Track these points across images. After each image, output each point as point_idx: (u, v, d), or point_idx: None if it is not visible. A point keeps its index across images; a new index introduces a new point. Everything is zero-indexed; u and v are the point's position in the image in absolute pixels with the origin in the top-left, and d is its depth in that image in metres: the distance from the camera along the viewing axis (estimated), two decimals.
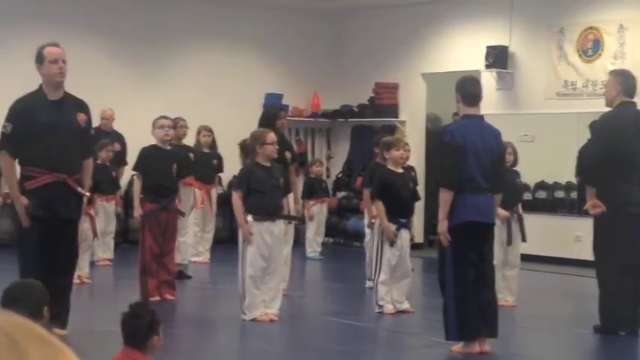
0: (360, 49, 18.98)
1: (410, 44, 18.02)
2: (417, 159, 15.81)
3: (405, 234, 10.62)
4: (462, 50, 17.11)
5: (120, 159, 14.59)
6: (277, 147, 9.97)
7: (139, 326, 5.08)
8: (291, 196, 11.08)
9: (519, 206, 11.20)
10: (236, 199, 9.89)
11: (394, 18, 18.31)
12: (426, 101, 18.26)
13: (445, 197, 8.37)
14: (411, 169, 12.44)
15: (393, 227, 10.42)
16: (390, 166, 10.68)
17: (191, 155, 13.32)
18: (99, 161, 12.58)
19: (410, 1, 17.56)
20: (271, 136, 9.92)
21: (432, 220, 17.34)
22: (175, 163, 11.24)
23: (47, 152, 8.47)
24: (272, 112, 11.60)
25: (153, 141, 11.33)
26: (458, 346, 8.48)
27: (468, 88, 8.65)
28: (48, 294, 5.25)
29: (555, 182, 16.17)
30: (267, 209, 9.81)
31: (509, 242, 10.96)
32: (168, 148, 11.30)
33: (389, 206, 10.48)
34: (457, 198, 8.31)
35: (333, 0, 17.86)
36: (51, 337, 1.23)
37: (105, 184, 13.15)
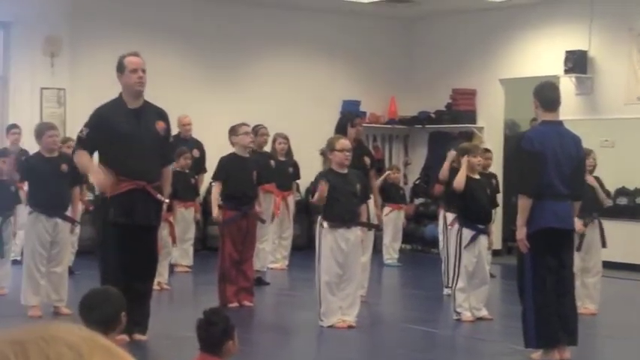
0: (437, 54, 18.90)
1: (487, 49, 17.90)
2: (495, 165, 15.67)
3: (483, 240, 10.55)
4: (541, 55, 16.94)
5: (199, 166, 14.71)
6: (350, 154, 9.92)
7: (213, 332, 5.13)
8: (371, 202, 11.08)
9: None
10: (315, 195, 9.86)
11: (472, 23, 18.21)
12: (504, 107, 18.11)
13: (523, 204, 8.29)
14: (492, 176, 12.35)
15: (470, 232, 10.33)
16: (468, 173, 10.60)
17: (272, 162, 13.39)
18: (178, 168, 12.70)
19: (487, 5, 17.45)
20: (341, 143, 9.89)
21: (510, 227, 17.23)
22: (255, 171, 11.30)
23: (127, 160, 8.58)
24: (347, 119, 11.61)
25: (230, 148, 11.38)
26: (537, 354, 8.39)
27: (546, 93, 8.56)
28: (125, 300, 5.31)
29: (636, 188, 15.92)
30: (342, 216, 9.80)
31: (578, 248, 10.81)
32: (247, 155, 11.36)
33: (466, 212, 10.41)
34: (536, 204, 8.23)
35: (411, 6, 17.82)
36: (117, 348, 1.24)
37: (184, 191, 13.26)
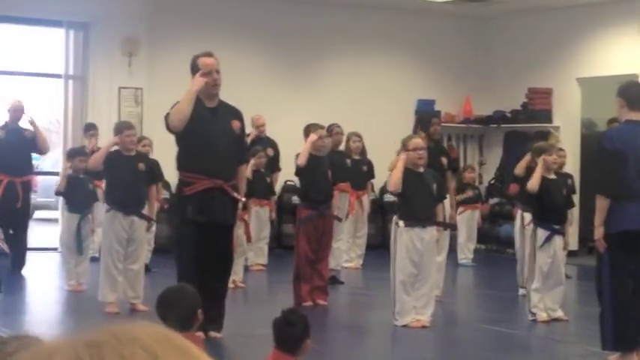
0: (512, 53, 18.76)
1: (564, 48, 17.71)
2: (571, 165, 15.52)
3: (558, 240, 10.45)
4: (619, 54, 16.70)
5: (273, 165, 14.78)
6: (424, 153, 9.90)
7: (292, 333, 5.15)
8: (446, 202, 11.05)
9: None
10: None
11: (547, 21, 18.03)
12: (581, 106, 17.91)
13: (602, 204, 8.18)
14: (568, 176, 12.22)
15: (544, 232, 10.25)
16: (543, 172, 10.50)
17: (347, 161, 13.41)
18: (253, 167, 12.78)
19: (564, 3, 17.26)
20: (414, 143, 9.88)
21: (589, 227, 17.03)
22: (330, 170, 11.32)
23: (204, 159, 8.65)
24: (426, 119, 11.59)
25: (302, 147, 11.39)
26: (614, 357, 8.29)
27: (632, 92, 8.40)
28: (200, 298, 5.36)
29: None
30: (417, 215, 9.78)
31: None
32: (322, 155, 11.37)
33: (541, 212, 10.33)
34: (615, 205, 8.11)
35: (487, 4, 17.71)
36: (192, 348, 1.25)
37: (259, 190, 13.33)
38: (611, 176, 8.13)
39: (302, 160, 10.97)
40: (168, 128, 8.82)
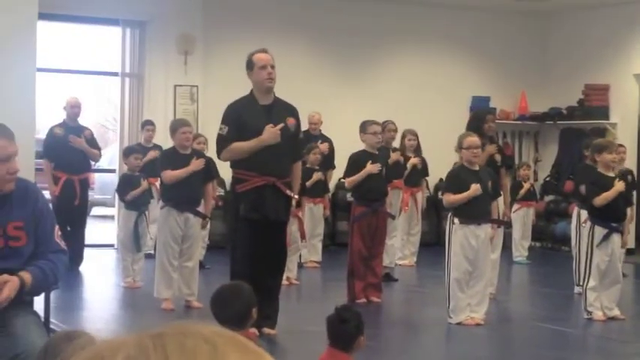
0: (568, 49, 18.61)
1: (621, 44, 17.54)
2: (629, 162, 15.37)
3: (616, 239, 10.35)
4: None
5: (328, 162, 14.79)
6: (479, 151, 9.87)
7: (346, 330, 5.17)
8: (500, 199, 11.00)
9: None
10: (449, 197, 9.84)
11: (604, 17, 17.86)
12: (639, 103, 17.72)
13: None
14: (628, 172, 12.08)
15: (602, 230, 10.16)
16: (601, 169, 10.41)
17: (400, 159, 13.39)
18: (307, 165, 12.80)
19: None
20: (469, 141, 9.85)
21: None
22: (384, 168, 11.31)
23: (258, 156, 8.69)
24: (480, 116, 11.54)
25: (359, 144, 11.41)
26: None
27: None
28: (255, 296, 5.38)
29: None
30: (472, 213, 9.76)
31: None
32: (377, 152, 11.37)
33: (599, 210, 10.24)
34: None
35: (540, 0, 17.59)
36: (252, 345, 1.28)
37: (313, 187, 13.36)
38: None
39: (350, 185, 11.09)
40: (219, 156, 8.94)
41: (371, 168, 10.97)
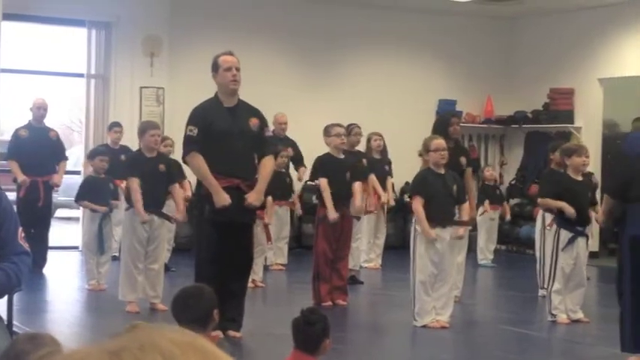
0: (533, 54, 18.71)
1: (585, 48, 17.66)
2: (593, 166, 15.45)
3: (581, 242, 10.40)
4: None
5: (297, 162, 14.84)
6: (446, 153, 9.90)
7: (312, 332, 5.16)
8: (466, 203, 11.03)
9: None
10: (416, 205, 9.84)
11: (569, 22, 17.98)
12: (603, 107, 17.84)
13: (608, 203, 8.28)
14: (590, 174, 12.15)
15: (568, 234, 10.22)
16: (570, 173, 10.45)
17: (364, 161, 13.39)
18: (275, 167, 12.77)
19: (587, 4, 17.21)
20: (436, 143, 9.87)
21: (609, 229, 16.95)
22: (349, 171, 11.31)
23: (222, 158, 8.68)
24: (445, 119, 11.57)
25: (324, 147, 11.41)
26: (634, 358, 8.26)
27: None
28: (217, 298, 5.36)
29: None
30: (438, 216, 9.78)
31: None
32: (342, 156, 11.36)
33: (565, 214, 10.28)
34: (638, 207, 8.08)
35: (509, 5, 17.67)
36: (213, 350, 1.27)
37: (279, 190, 13.34)
38: (619, 181, 8.13)
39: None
40: (185, 156, 8.90)
41: (331, 213, 10.95)
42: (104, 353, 1.22)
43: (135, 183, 10.35)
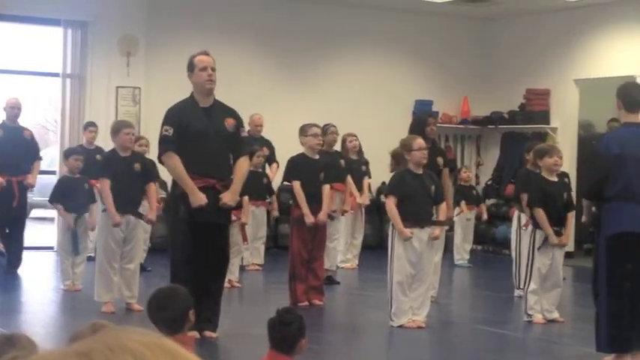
0: (510, 54, 18.78)
1: (562, 49, 17.73)
2: (568, 167, 15.52)
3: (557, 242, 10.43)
4: (617, 55, 16.72)
5: (270, 160, 14.85)
6: (427, 153, 9.93)
7: (288, 332, 5.14)
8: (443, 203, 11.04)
9: None
10: (390, 204, 9.87)
11: (545, 23, 18.04)
12: (579, 107, 17.92)
13: (586, 204, 8.33)
14: (565, 175, 12.20)
15: (551, 231, 10.26)
16: (544, 174, 10.49)
17: (342, 162, 13.40)
18: (251, 168, 12.75)
19: (563, 5, 17.28)
20: (418, 143, 9.89)
21: (586, 228, 17.02)
22: (323, 172, 11.30)
23: (198, 158, 8.66)
24: (422, 119, 11.58)
25: (300, 148, 11.39)
26: (609, 358, 8.29)
27: (630, 94, 8.37)
28: (192, 299, 5.34)
29: None
30: (416, 216, 9.79)
31: None
32: (317, 157, 11.35)
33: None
34: (614, 207, 8.10)
35: (486, 5, 17.72)
36: (181, 350, 1.26)
37: (255, 190, 13.31)
38: (596, 182, 8.16)
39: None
40: (161, 156, 8.86)
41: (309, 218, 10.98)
42: (73, 355, 1.20)
43: (106, 184, 10.33)
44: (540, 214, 10.29)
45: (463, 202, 15.65)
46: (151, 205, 10.81)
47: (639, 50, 16.13)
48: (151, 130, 13.07)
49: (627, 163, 8.05)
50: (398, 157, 10.13)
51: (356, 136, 14.47)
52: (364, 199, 14.67)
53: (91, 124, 14.34)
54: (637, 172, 8.08)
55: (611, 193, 8.10)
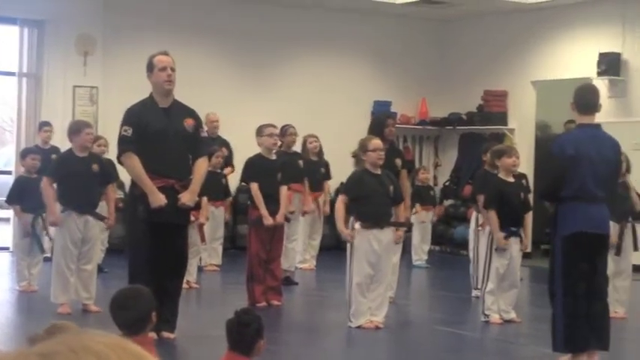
0: (468, 56, 18.87)
1: (519, 51, 17.84)
2: (526, 167, 15.62)
3: (514, 243, 10.49)
4: (573, 57, 16.86)
5: (227, 163, 14.79)
6: (383, 154, 9.94)
7: (246, 333, 5.13)
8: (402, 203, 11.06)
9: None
10: (340, 203, 9.89)
11: (504, 25, 18.15)
12: (536, 109, 18.05)
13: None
14: (523, 176, 12.28)
15: (502, 234, 10.32)
16: (502, 175, 10.55)
17: (300, 162, 13.38)
18: (209, 168, 12.71)
19: (520, 7, 17.39)
20: (374, 143, 9.90)
21: (542, 229, 17.14)
22: (280, 173, 11.29)
23: (156, 158, 8.62)
24: (380, 120, 11.60)
25: (257, 148, 11.37)
26: (565, 358, 8.35)
27: (584, 96, 8.45)
28: (155, 299, 5.31)
29: None
30: (375, 217, 9.80)
31: (617, 253, 10.76)
32: (274, 157, 11.34)
33: (500, 215, 10.37)
34: (569, 208, 8.16)
35: (444, 7, 17.79)
36: (145, 354, 1.25)
37: (214, 190, 13.26)
38: (553, 183, 8.22)
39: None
40: (120, 157, 8.82)
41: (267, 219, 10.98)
42: (34, 357, 1.18)
43: (48, 183, 10.32)
44: (492, 216, 10.35)
45: (417, 205, 15.63)
46: (109, 209, 10.75)
47: (595, 52, 16.27)
48: (109, 130, 13.00)
49: (582, 163, 8.11)
50: (357, 158, 10.15)
51: (317, 137, 14.47)
52: (325, 201, 14.69)
53: (45, 124, 14.21)
54: (591, 173, 8.14)
55: (567, 193, 8.16)
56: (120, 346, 1.22)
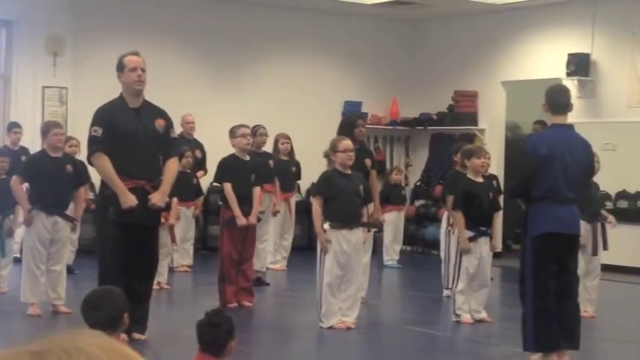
0: (438, 56, 18.92)
1: (489, 52, 17.91)
2: (496, 168, 15.69)
3: (484, 243, 10.54)
4: (543, 58, 16.94)
5: (199, 166, 14.75)
6: (353, 154, 9.94)
7: (217, 334, 5.12)
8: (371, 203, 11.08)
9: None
10: (316, 205, 9.89)
11: (474, 25, 18.21)
12: (506, 109, 18.13)
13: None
14: (493, 177, 12.33)
15: (469, 234, 10.36)
16: (471, 175, 10.60)
17: (270, 163, 13.38)
18: (180, 168, 12.68)
19: (490, 8, 17.45)
20: (344, 144, 9.91)
21: (512, 229, 17.22)
22: (254, 173, 11.29)
23: (127, 159, 8.59)
24: (350, 120, 11.60)
25: (230, 149, 11.38)
26: (536, 357, 8.39)
27: (556, 97, 8.50)
28: (127, 300, 5.30)
29: (637, 191, 15.91)
30: (345, 217, 9.80)
31: (594, 253, 10.82)
32: (247, 158, 11.34)
33: (469, 215, 10.41)
34: (540, 208, 8.20)
35: (414, 8, 17.82)
36: (135, 354, 1.25)
37: (185, 190, 13.24)
38: (524, 182, 8.26)
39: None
40: (90, 157, 8.79)
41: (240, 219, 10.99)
42: (26, 355, 1.19)
43: (17, 182, 10.35)
44: (459, 217, 10.40)
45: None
46: (76, 211, 10.70)
47: (564, 53, 16.35)
48: (79, 130, 12.94)
49: (554, 163, 8.15)
50: (328, 158, 10.16)
51: (289, 137, 14.47)
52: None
53: (15, 125, 14.12)
54: (563, 173, 8.19)
55: (538, 193, 8.20)
56: (111, 347, 1.23)
